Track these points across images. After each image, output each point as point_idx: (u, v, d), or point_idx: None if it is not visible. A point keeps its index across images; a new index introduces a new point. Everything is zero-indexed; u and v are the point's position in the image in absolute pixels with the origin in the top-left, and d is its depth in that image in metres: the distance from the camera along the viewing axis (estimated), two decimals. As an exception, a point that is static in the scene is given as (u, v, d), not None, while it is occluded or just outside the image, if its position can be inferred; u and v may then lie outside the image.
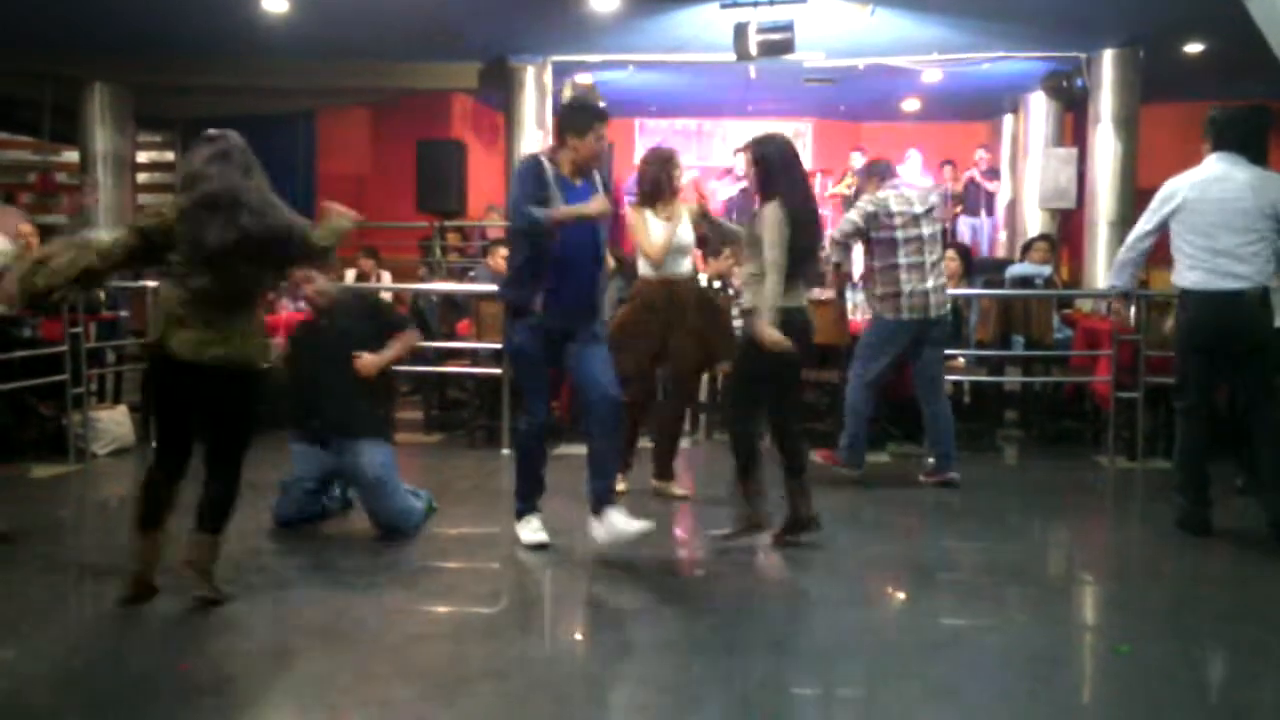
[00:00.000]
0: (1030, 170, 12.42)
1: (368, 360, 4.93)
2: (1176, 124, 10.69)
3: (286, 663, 3.48)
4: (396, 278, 9.97)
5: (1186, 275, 4.86)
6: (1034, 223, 12.08)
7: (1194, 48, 10.48)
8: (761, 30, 9.03)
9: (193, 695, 3.15)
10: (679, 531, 5.29)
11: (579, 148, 4.59)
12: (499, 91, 11.67)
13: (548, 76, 11.43)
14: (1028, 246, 8.62)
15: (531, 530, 4.71)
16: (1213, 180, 4.83)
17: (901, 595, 4.34)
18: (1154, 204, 4.99)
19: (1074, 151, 11.72)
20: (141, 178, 13.23)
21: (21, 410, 6.58)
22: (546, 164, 4.53)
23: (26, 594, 4.12)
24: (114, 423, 6.85)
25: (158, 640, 3.66)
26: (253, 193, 3.81)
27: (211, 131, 3.92)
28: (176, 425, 4.01)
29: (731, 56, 9.39)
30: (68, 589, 4.29)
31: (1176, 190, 4.90)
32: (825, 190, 14.23)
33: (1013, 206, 13.08)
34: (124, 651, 3.55)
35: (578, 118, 4.62)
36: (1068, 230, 11.99)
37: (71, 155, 12.49)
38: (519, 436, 4.83)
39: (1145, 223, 5.02)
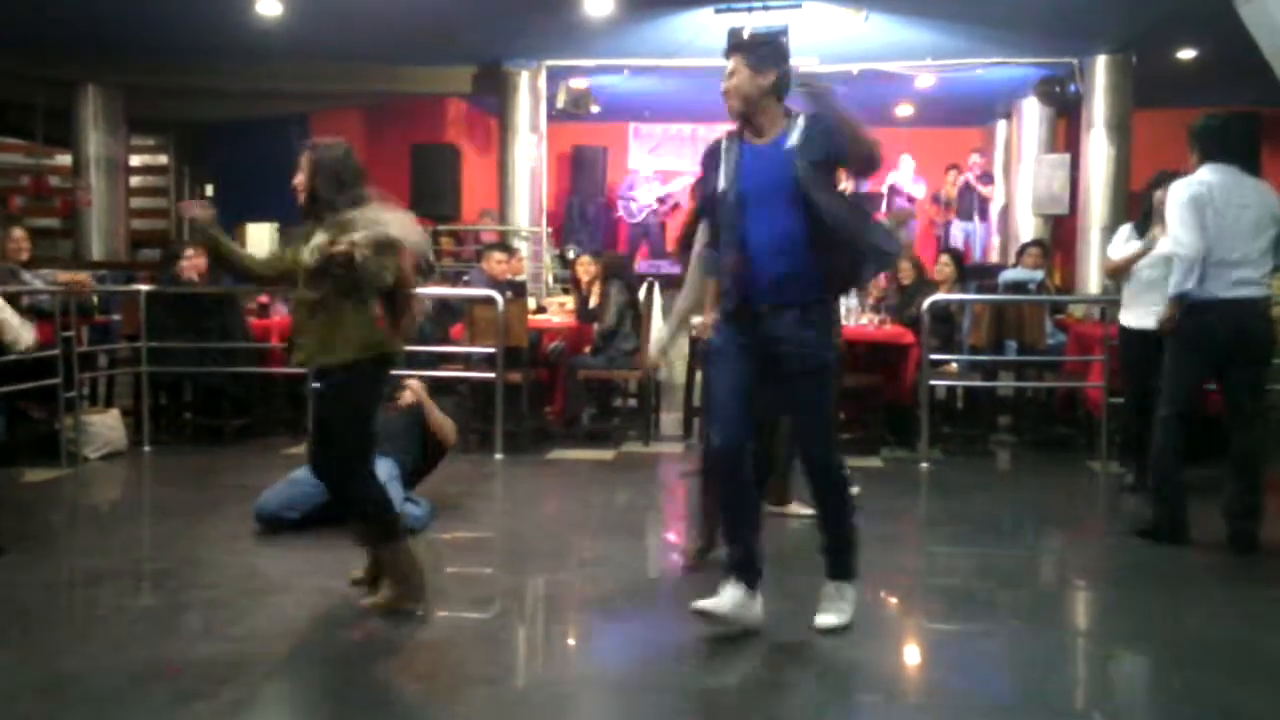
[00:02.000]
0: (1023, 175, 12.46)
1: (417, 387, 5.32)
2: (1169, 129, 10.70)
3: (282, 667, 3.47)
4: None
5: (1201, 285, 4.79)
6: (1027, 228, 12.11)
7: (1186, 53, 10.53)
8: (755, 35, 9.04)
9: (185, 699, 3.14)
10: (672, 538, 5.30)
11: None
12: (493, 96, 11.67)
13: (542, 81, 11.44)
14: (1021, 251, 8.64)
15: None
16: (1220, 186, 4.73)
17: (893, 600, 4.34)
18: (1188, 214, 4.70)
19: (1067, 157, 11.76)
20: (134, 181, 13.22)
21: (13, 414, 6.56)
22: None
23: (18, 597, 4.10)
24: (106, 426, 6.83)
25: (148, 643, 3.64)
26: None
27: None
28: None
29: (726, 62, 9.39)
30: (59, 592, 4.28)
31: (1205, 193, 4.71)
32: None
33: (1006, 211, 13.11)
34: (115, 654, 3.53)
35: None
36: (1061, 235, 12.02)
37: (64, 159, 12.48)
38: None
39: (1195, 235, 4.68)
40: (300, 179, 3.87)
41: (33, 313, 6.57)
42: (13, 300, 6.37)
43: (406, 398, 5.32)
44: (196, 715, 3.04)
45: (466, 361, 7.37)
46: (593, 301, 7.76)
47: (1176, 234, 4.76)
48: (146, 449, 7.02)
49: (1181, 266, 4.74)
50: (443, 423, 5.28)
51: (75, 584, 4.41)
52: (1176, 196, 4.79)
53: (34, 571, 4.44)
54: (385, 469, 4.95)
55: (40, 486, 6.07)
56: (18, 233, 6.71)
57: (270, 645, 3.67)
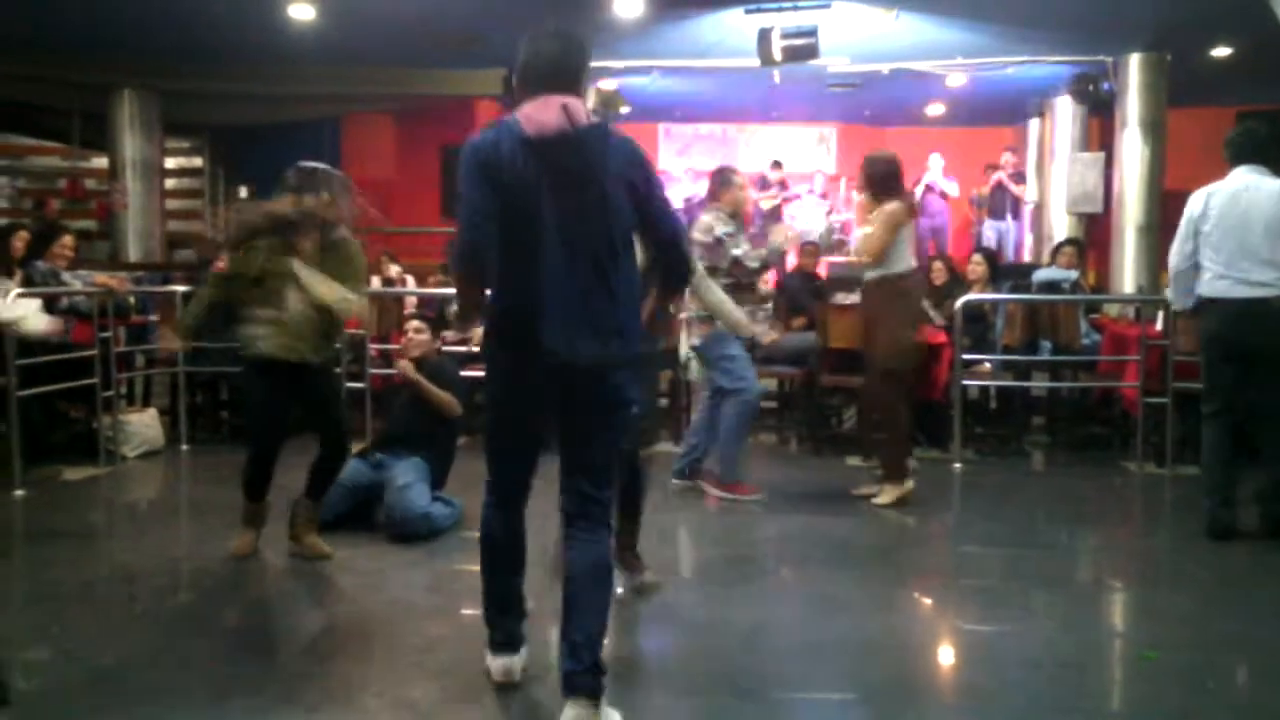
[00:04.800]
0: (1057, 174, 12.36)
1: (406, 366, 5.36)
2: (1204, 128, 10.61)
3: (314, 662, 3.51)
4: (418, 282, 10.02)
5: (1213, 284, 4.90)
6: (1060, 227, 12.01)
7: (1221, 52, 10.41)
8: (785, 35, 9.02)
9: (222, 696, 3.18)
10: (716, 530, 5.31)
11: None
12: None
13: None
14: (1055, 251, 8.58)
15: None
16: (1240, 191, 4.90)
17: (927, 601, 4.33)
18: (1185, 220, 5.02)
19: (1100, 156, 11.65)
20: (170, 184, 13.33)
21: (52, 414, 6.64)
22: None
23: (58, 595, 4.16)
24: (143, 425, 6.92)
25: (186, 641, 3.69)
26: None
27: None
28: None
29: (755, 62, 9.38)
30: (98, 589, 4.33)
31: (1205, 202, 4.95)
32: (850, 194, 14.21)
33: (1039, 211, 13.01)
34: (153, 651, 3.58)
35: None
36: (1095, 235, 11.92)
37: (100, 162, 12.62)
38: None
39: (1183, 242, 5.03)
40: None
41: (72, 313, 6.67)
42: (52, 301, 6.48)
43: (404, 368, 5.39)
44: (233, 712, 3.08)
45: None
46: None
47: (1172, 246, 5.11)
48: (183, 448, 7.09)
49: (1170, 277, 5.15)
50: (441, 397, 5.31)
51: (114, 581, 4.46)
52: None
53: (73, 569, 4.50)
54: (412, 470, 5.00)
55: (79, 485, 6.14)
56: (67, 239, 6.81)
57: (307, 643, 3.71)
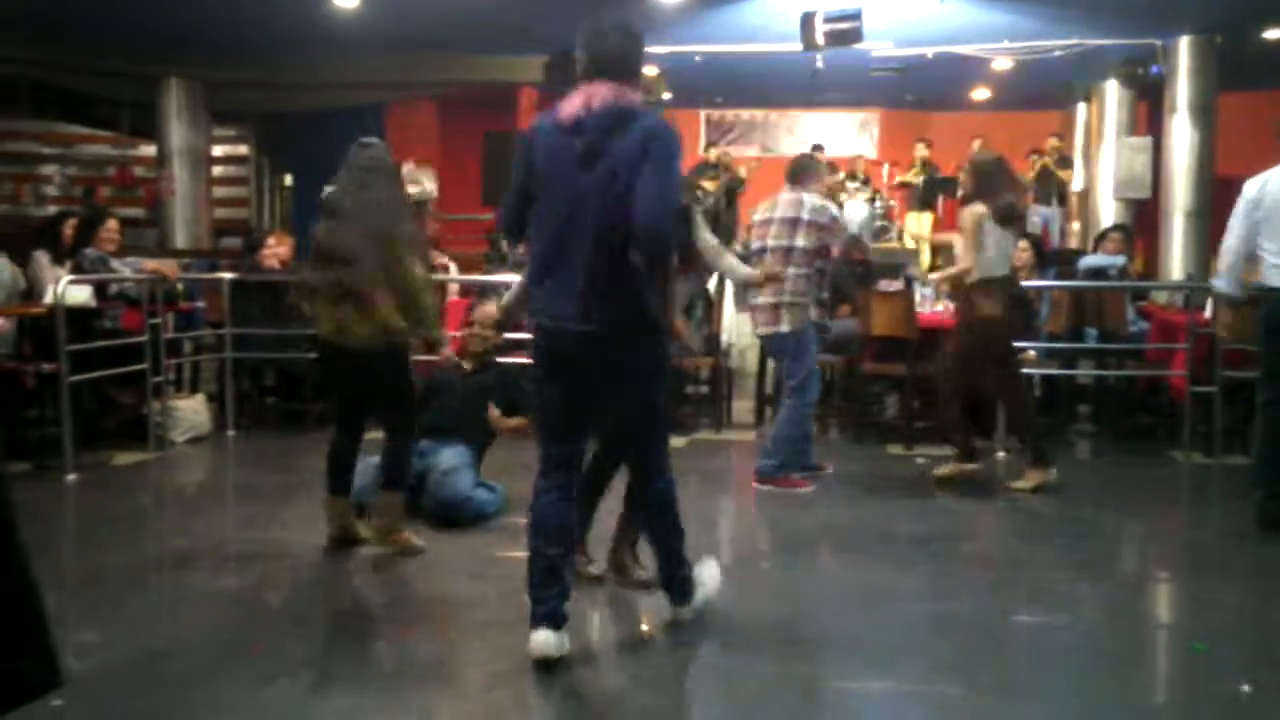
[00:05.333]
0: (1104, 159, 12.20)
1: (499, 419, 5.25)
2: (1256, 113, 10.43)
3: (359, 647, 3.54)
4: (462, 270, 10.06)
5: (1271, 273, 4.80)
6: (1107, 213, 11.87)
7: (1273, 34, 10.22)
8: (829, 20, 8.98)
9: (268, 678, 3.22)
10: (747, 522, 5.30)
11: None
12: (565, 84, 11.68)
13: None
14: (1102, 237, 8.47)
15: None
16: None
17: (970, 590, 4.30)
18: (1239, 208, 4.94)
19: (1149, 140, 11.49)
20: (216, 171, 13.50)
21: (104, 399, 6.75)
22: None
23: (108, 578, 4.23)
24: (192, 411, 7.02)
25: (233, 624, 3.74)
26: None
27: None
28: None
29: (799, 46, 9.34)
30: (148, 573, 4.40)
31: (1261, 188, 4.85)
32: (894, 180, 14.11)
33: (1086, 196, 12.86)
34: (200, 634, 3.63)
35: None
36: (1142, 221, 11.76)
37: (149, 150, 12.79)
38: None
39: (1237, 229, 4.95)
40: None
41: (121, 299, 6.77)
42: (102, 288, 6.58)
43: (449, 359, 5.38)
44: (279, 694, 3.12)
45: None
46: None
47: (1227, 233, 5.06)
48: (230, 433, 7.18)
49: (1221, 264, 5.08)
50: (517, 425, 5.28)
51: (163, 565, 4.52)
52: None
53: (123, 552, 4.57)
54: (456, 456, 5.01)
55: (129, 469, 6.24)
56: (112, 223, 6.89)
57: (353, 625, 3.75)
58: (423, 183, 5.14)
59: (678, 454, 6.63)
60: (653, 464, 3.49)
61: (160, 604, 4.11)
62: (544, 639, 3.20)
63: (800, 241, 5.58)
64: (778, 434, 5.76)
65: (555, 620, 3.23)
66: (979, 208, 5.55)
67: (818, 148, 13.71)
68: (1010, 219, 5.62)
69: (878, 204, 13.18)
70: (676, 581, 3.57)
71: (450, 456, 5.04)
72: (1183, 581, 4.51)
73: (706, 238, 4.63)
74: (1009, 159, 6.23)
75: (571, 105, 3.12)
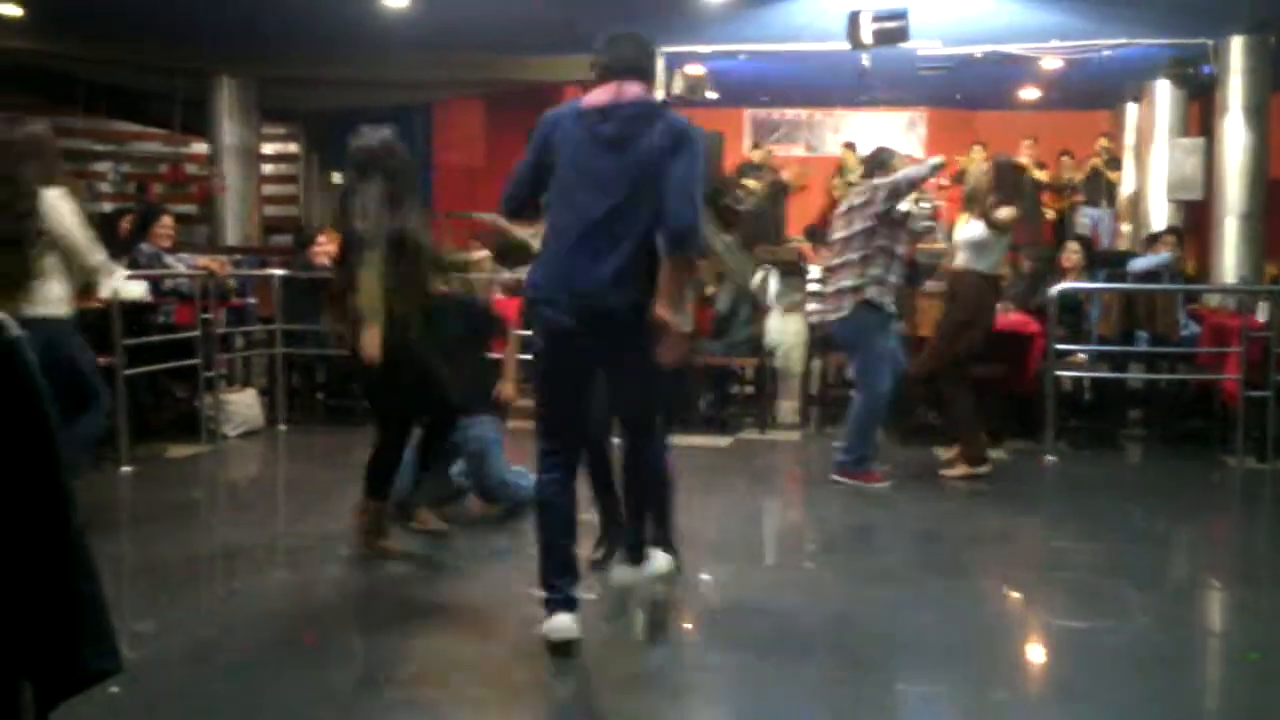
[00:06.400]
0: (1155, 160, 12.04)
1: (509, 389, 5.19)
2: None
3: (409, 640, 3.58)
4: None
5: None
6: (1159, 214, 11.71)
7: (1331, 34, 10.04)
8: (876, 18, 8.93)
9: (319, 668, 3.27)
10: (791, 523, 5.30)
11: None
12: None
13: (659, 67, 11.45)
14: (1153, 239, 8.37)
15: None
16: None
17: (1017, 595, 4.27)
18: None
19: (1201, 141, 11.31)
20: (266, 169, 13.65)
21: (158, 393, 6.86)
22: None
23: (162, 568, 4.31)
24: (244, 405, 7.11)
25: (284, 615, 3.80)
26: None
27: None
28: None
29: (845, 45, 9.30)
30: (202, 564, 4.48)
31: None
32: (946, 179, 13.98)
33: (1136, 198, 12.69)
34: (252, 625, 3.69)
35: None
36: (1194, 223, 11.60)
37: (200, 147, 12.96)
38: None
39: None
40: None
41: (174, 295, 6.89)
42: (156, 283, 6.68)
43: None
44: (330, 684, 3.17)
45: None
46: (710, 288, 7.76)
47: None
48: (281, 427, 7.27)
49: None
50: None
51: (215, 556, 4.60)
52: None
53: (177, 544, 4.65)
54: (487, 432, 5.02)
55: (182, 462, 6.34)
56: (167, 220, 7.01)
57: (401, 616, 3.80)
58: None
59: (722, 454, 6.70)
60: (655, 429, 3.56)
61: (212, 595, 4.19)
62: (563, 623, 3.27)
63: (857, 226, 5.63)
64: (849, 428, 5.77)
65: (571, 604, 3.31)
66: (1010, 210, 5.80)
67: (849, 145, 13.63)
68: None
69: (923, 204, 13.06)
70: (634, 545, 3.62)
71: (480, 433, 4.98)
72: (1235, 589, 4.45)
73: (713, 241, 4.70)
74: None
75: (601, 95, 3.27)
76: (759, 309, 7.44)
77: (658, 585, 3.70)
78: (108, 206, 11.54)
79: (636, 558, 3.62)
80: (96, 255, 4.49)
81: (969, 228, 5.94)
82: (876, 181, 5.69)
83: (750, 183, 13.25)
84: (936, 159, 6.21)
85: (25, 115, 4.76)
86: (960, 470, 5.86)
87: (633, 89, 3.26)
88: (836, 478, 5.69)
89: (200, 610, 3.89)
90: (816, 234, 8.84)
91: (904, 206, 5.60)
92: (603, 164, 3.22)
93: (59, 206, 4.29)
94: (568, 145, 3.27)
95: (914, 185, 5.65)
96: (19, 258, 4.14)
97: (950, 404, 6.01)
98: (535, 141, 3.34)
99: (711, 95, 12.01)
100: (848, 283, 5.58)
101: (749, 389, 8.04)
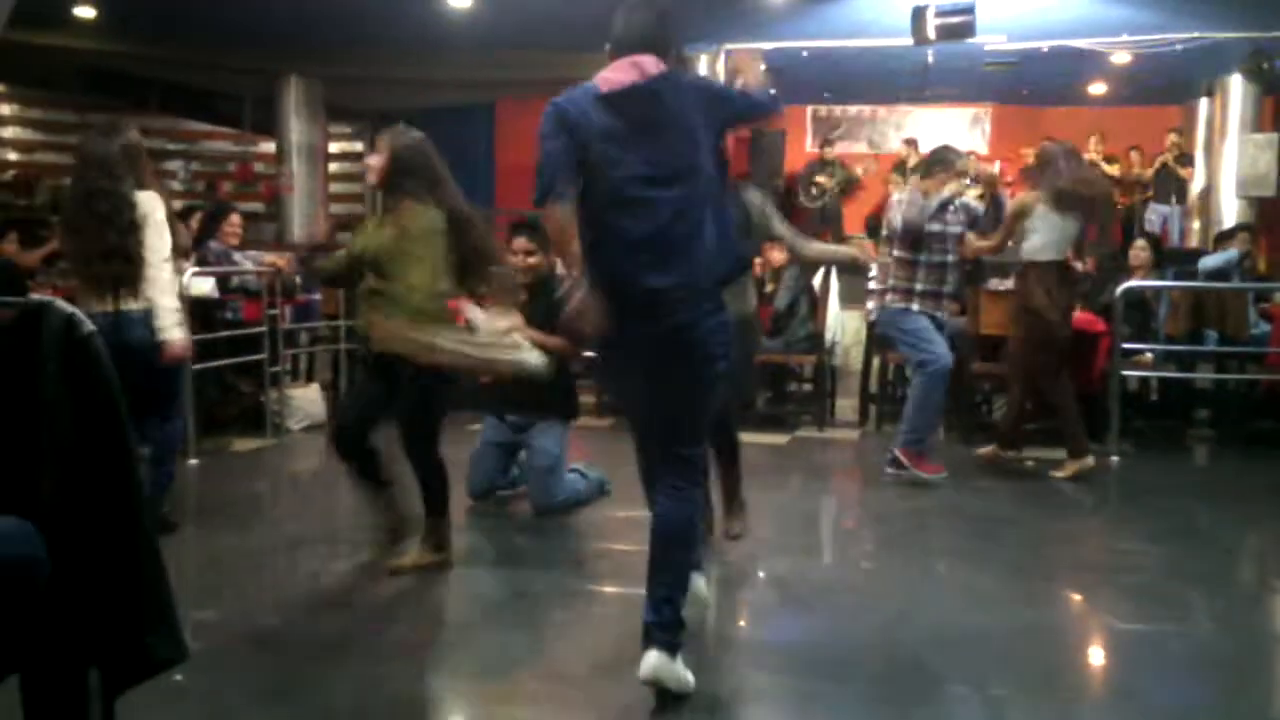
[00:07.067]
0: (1227, 156, 11.78)
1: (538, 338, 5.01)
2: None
3: (468, 634, 3.63)
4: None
5: None
6: (1229, 211, 11.47)
7: None
8: (941, 14, 8.84)
9: (382, 658, 3.32)
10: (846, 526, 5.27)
11: None
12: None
13: (721, 65, 11.44)
14: (1225, 236, 8.19)
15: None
16: None
17: (1078, 597, 4.21)
18: None
19: (1274, 137, 11.07)
20: (332, 168, 13.84)
21: (225, 388, 7.01)
22: None
23: (226, 559, 4.41)
24: (307, 400, 7.24)
25: (349, 605, 3.86)
26: None
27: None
28: None
29: (909, 41, 9.21)
30: (265, 555, 4.56)
31: None
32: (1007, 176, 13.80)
33: (1207, 194, 12.43)
34: (313, 615, 3.76)
35: None
36: (1266, 220, 11.33)
37: (268, 146, 13.18)
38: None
39: None
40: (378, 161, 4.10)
41: (242, 291, 7.02)
42: (224, 280, 6.82)
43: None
44: (390, 675, 3.21)
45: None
46: (768, 285, 7.75)
47: None
48: (343, 422, 7.36)
49: None
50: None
51: (278, 548, 4.68)
52: None
53: (241, 535, 4.75)
54: (551, 443, 4.99)
55: (247, 455, 6.47)
56: (235, 218, 7.14)
57: (463, 611, 3.85)
58: None
59: (780, 451, 6.68)
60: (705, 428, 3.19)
61: (276, 585, 4.26)
62: (656, 663, 2.88)
63: (885, 231, 5.86)
64: (909, 406, 5.75)
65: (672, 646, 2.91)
66: (1030, 194, 5.76)
67: (910, 141, 13.49)
68: (1068, 204, 5.63)
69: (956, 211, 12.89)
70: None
71: (543, 446, 4.94)
72: (1304, 594, 4.36)
73: (780, 229, 4.65)
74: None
75: (621, 75, 2.99)
76: (817, 306, 7.41)
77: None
78: (178, 204, 11.76)
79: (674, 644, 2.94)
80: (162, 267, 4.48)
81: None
82: (896, 198, 5.93)
83: (822, 179, 13.21)
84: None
85: (116, 119, 4.82)
86: (1069, 470, 5.79)
87: (649, 61, 2.99)
88: (895, 454, 5.66)
89: (264, 600, 3.97)
90: (878, 229, 8.78)
91: (935, 227, 5.52)
92: (649, 149, 2.93)
93: (152, 211, 4.35)
94: (599, 132, 2.94)
95: (908, 231, 5.59)
96: (132, 269, 4.25)
97: (1054, 406, 5.93)
98: (554, 128, 2.98)
99: (772, 92, 11.95)
100: (875, 286, 5.73)
101: (807, 386, 8.01)
